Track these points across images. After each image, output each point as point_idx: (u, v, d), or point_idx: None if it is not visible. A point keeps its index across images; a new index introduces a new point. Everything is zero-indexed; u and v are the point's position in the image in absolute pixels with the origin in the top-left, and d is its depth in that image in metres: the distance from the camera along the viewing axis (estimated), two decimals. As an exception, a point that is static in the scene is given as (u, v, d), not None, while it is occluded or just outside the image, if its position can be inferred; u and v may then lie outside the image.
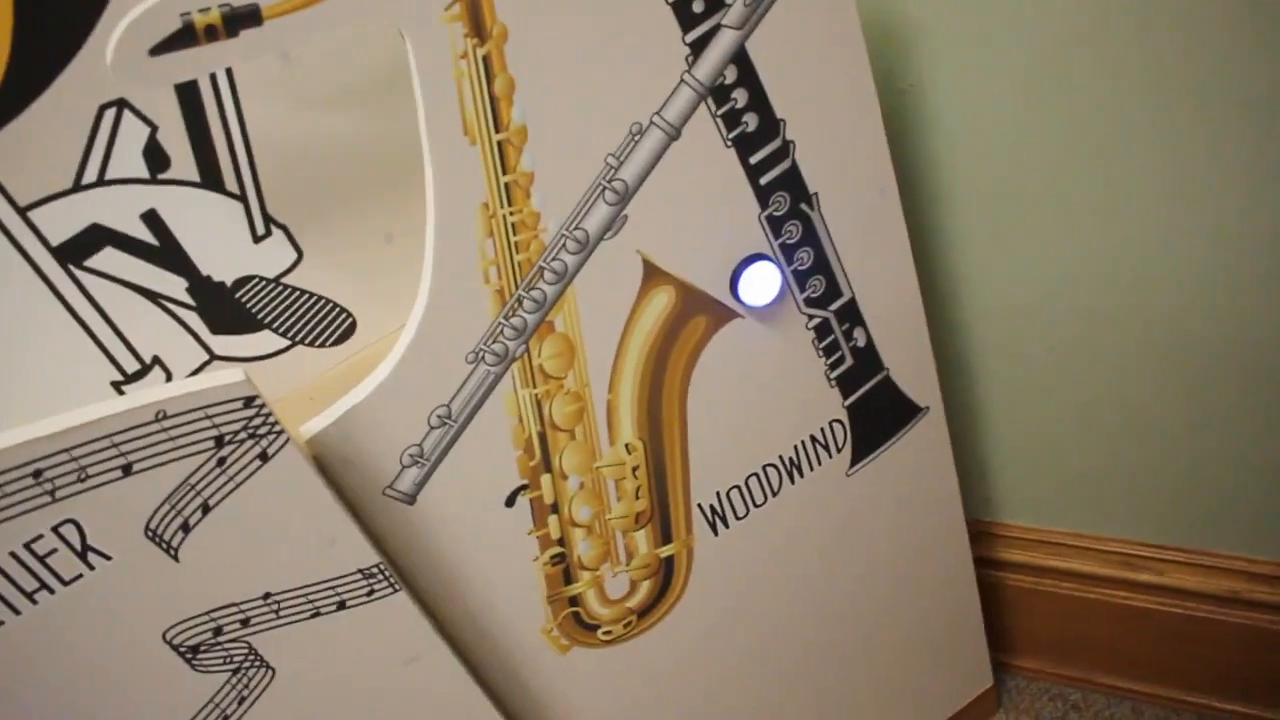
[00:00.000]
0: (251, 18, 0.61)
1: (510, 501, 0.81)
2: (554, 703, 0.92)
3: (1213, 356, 0.99)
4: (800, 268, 0.85)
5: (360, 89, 0.74)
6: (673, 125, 0.75)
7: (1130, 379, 1.05)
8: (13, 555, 0.64)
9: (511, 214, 0.72)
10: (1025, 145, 0.94)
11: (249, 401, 0.66)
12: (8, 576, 0.65)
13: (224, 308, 0.76)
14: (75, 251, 0.72)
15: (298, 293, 0.78)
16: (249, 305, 0.77)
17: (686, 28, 0.73)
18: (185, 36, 0.60)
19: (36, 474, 0.63)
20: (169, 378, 0.78)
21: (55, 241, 0.71)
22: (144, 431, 0.64)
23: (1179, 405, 1.04)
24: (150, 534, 0.67)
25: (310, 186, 0.75)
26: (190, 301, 0.76)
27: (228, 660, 0.74)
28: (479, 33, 0.67)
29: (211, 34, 0.60)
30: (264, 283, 0.77)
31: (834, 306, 0.89)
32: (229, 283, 0.76)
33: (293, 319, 0.79)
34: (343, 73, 0.74)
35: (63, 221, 0.71)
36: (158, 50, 0.60)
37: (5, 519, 0.63)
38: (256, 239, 0.76)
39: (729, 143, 0.78)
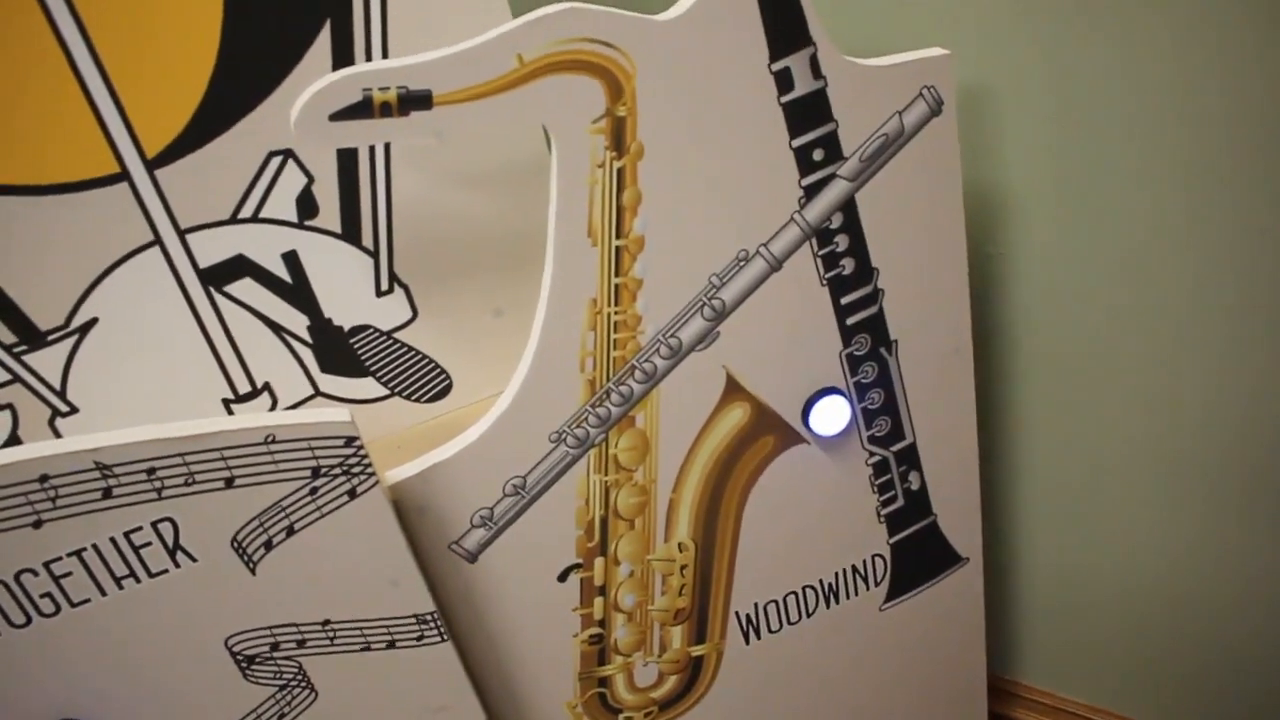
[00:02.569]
0: (423, 101, 0.68)
1: (563, 577, 0.86)
2: (565, 775, 0.96)
3: (1258, 550, 1.02)
4: (870, 406, 0.90)
5: (499, 174, 0.81)
6: (776, 258, 0.81)
7: (1176, 567, 1.08)
8: (112, 540, 0.70)
9: (616, 313, 0.78)
10: (1103, 327, 0.99)
11: (349, 441, 0.71)
12: (103, 559, 0.70)
13: (337, 350, 0.83)
14: (218, 276, 0.79)
15: (406, 349, 0.84)
16: (360, 352, 0.83)
17: (804, 172, 0.79)
18: (363, 109, 0.67)
19: (150, 471, 0.69)
20: (274, 404, 0.84)
21: (203, 265, 0.78)
22: (252, 451, 0.70)
23: (1222, 601, 1.07)
24: (236, 545, 0.73)
25: (437, 254, 0.82)
26: (308, 339, 0.82)
27: (278, 675, 0.79)
28: (618, 147, 0.73)
29: (386, 110, 0.67)
30: (378, 334, 0.83)
31: (895, 448, 0.93)
32: (346, 328, 0.82)
33: (396, 372, 0.85)
34: (487, 157, 0.80)
35: (213, 248, 0.78)
36: (337, 116, 0.66)
37: (116, 506, 0.69)
38: (379, 293, 0.82)
39: (824, 281, 0.83)
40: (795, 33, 0.75)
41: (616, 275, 0.77)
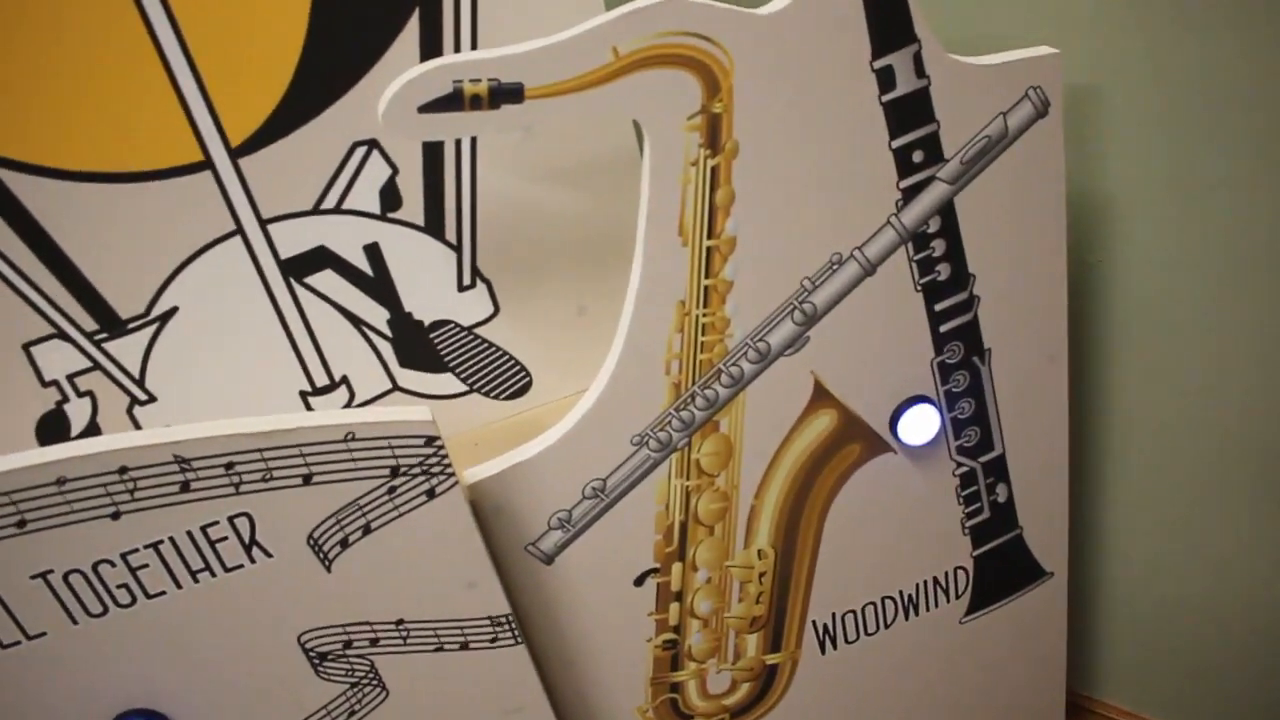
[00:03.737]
0: (515, 94, 0.66)
1: (639, 581, 0.84)
2: (633, 781, 0.95)
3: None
4: (960, 416, 0.87)
5: (584, 169, 0.79)
6: (871, 262, 0.78)
7: (1272, 587, 1.04)
8: (189, 534, 0.69)
9: (704, 315, 0.75)
10: (1205, 340, 0.95)
11: (430, 440, 0.70)
12: (179, 552, 0.69)
13: (417, 345, 0.81)
14: (299, 267, 0.78)
15: (487, 345, 0.83)
16: (440, 347, 0.82)
17: (903, 174, 0.76)
18: (453, 101, 0.65)
19: (229, 466, 0.68)
20: (351, 398, 0.82)
21: (284, 255, 0.77)
22: (331, 448, 0.69)
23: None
24: (312, 542, 0.71)
25: (520, 249, 0.80)
26: (388, 333, 0.80)
27: (350, 673, 0.78)
28: (713, 144, 0.71)
29: (476, 103, 0.65)
30: (458, 329, 0.82)
31: (984, 459, 0.90)
32: (427, 323, 0.81)
33: (476, 368, 0.83)
34: (573, 151, 0.78)
35: (295, 238, 0.77)
36: (426, 109, 0.65)
37: (194, 500, 0.68)
38: (461, 288, 0.80)
39: (919, 287, 0.81)
40: (899, 29, 0.72)
41: (706, 277, 0.75)
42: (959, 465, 0.90)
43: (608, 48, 0.66)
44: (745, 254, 0.75)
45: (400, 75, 0.64)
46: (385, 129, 0.65)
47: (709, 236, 0.73)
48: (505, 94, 0.66)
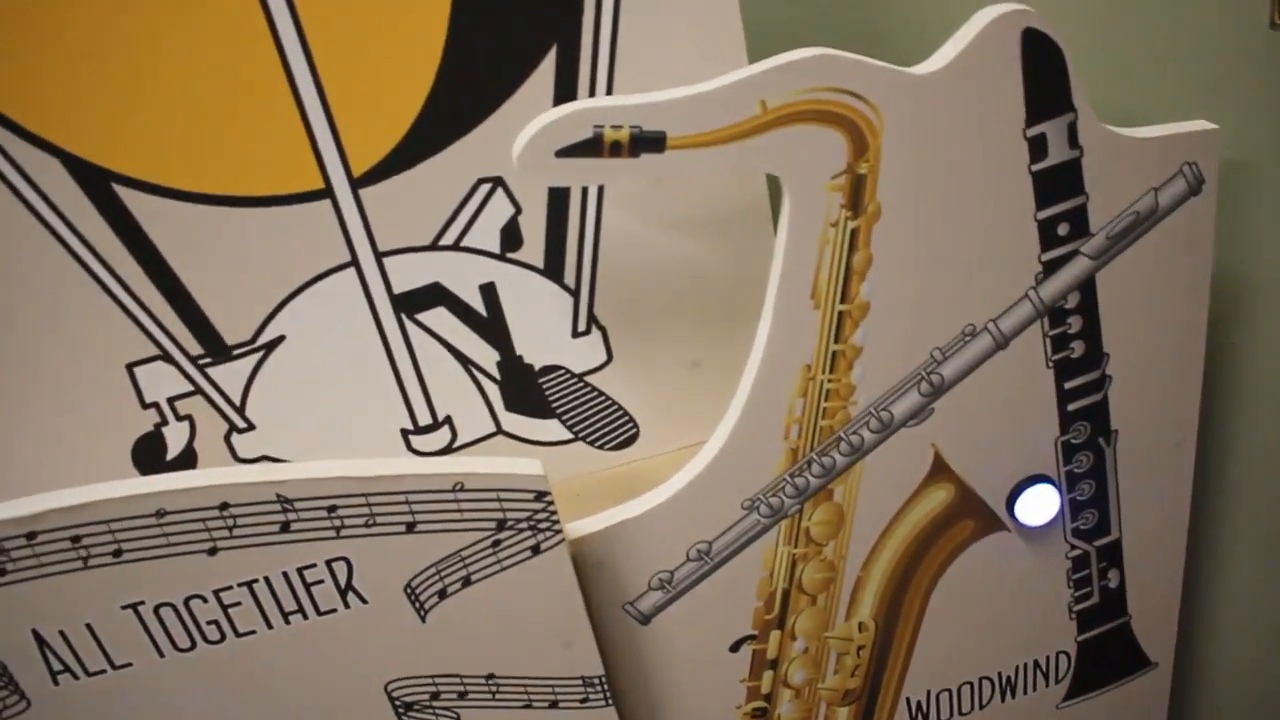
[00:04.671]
0: (657, 143, 0.63)
1: (735, 647, 0.81)
2: None
3: None
4: (1079, 497, 0.84)
5: (712, 220, 0.76)
6: (1004, 335, 0.74)
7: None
8: (285, 575, 0.67)
9: (830, 380, 0.72)
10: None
11: (540, 495, 0.67)
12: (273, 592, 0.67)
13: (524, 389, 0.79)
14: (412, 303, 0.75)
15: (596, 393, 0.80)
16: (549, 392, 0.79)
17: (1046, 247, 0.73)
18: (592, 146, 0.62)
19: (331, 509, 0.65)
20: (453, 439, 0.80)
21: (398, 290, 0.75)
22: (438, 497, 0.66)
23: None
24: (409, 591, 0.69)
25: (638, 297, 0.77)
26: (496, 375, 0.78)
27: (434, 725, 0.75)
28: (855, 206, 0.68)
29: (615, 150, 0.62)
30: (569, 376, 0.79)
31: (1099, 543, 0.86)
32: (537, 367, 0.78)
33: (584, 416, 0.80)
34: (701, 201, 0.75)
35: (410, 273, 0.75)
36: (564, 153, 0.62)
37: (293, 541, 0.65)
38: (575, 334, 0.78)
39: (1050, 363, 0.77)
40: (1057, 97, 0.69)
41: (836, 341, 0.71)
42: (1073, 548, 0.86)
43: (756, 100, 0.64)
44: (877, 320, 0.71)
45: (537, 116, 0.62)
46: (519, 171, 0.62)
47: (842, 300, 0.70)
48: (647, 142, 0.63)
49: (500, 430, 0.80)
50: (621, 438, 0.82)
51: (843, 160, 0.67)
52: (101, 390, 0.75)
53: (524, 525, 0.68)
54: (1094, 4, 0.84)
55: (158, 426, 0.77)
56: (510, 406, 0.79)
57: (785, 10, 0.87)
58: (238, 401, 0.77)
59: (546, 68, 0.70)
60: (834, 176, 0.67)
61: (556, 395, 0.79)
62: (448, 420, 0.79)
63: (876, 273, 0.70)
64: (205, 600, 0.67)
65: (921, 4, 0.85)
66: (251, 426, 0.78)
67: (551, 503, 0.67)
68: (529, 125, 0.62)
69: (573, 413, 0.80)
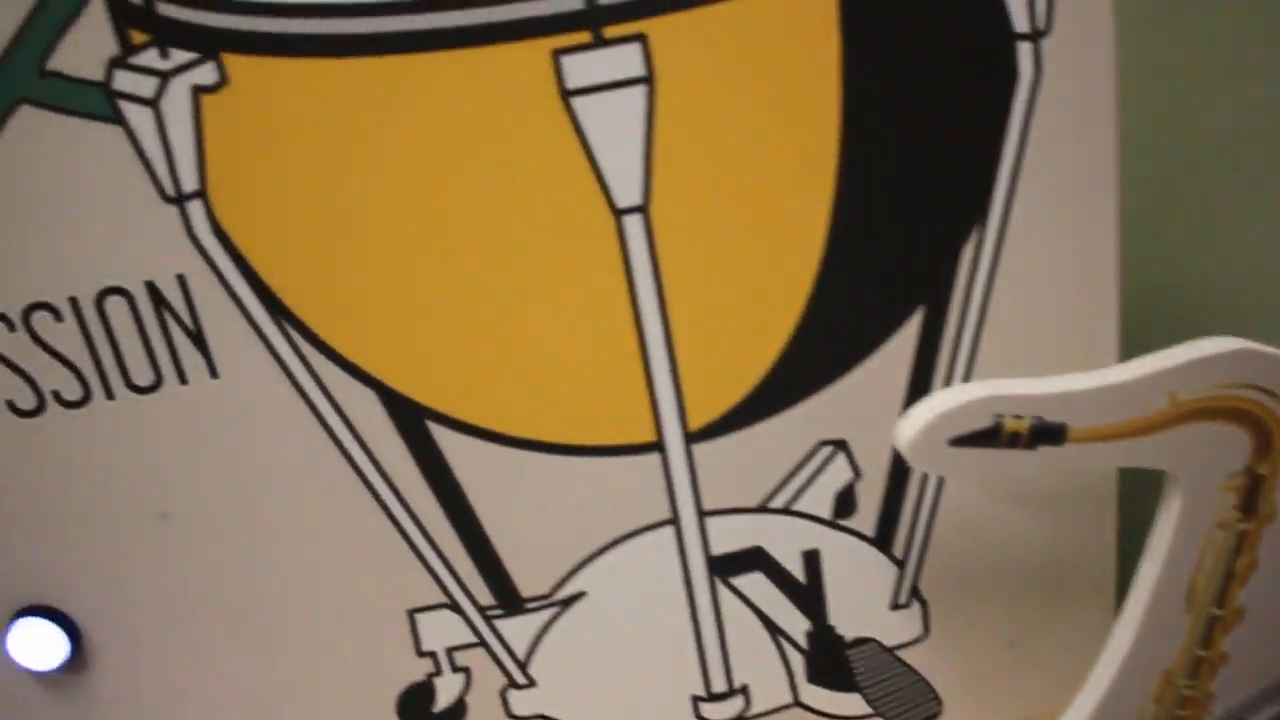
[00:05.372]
0: (1057, 435, 0.58)
1: None
2: None
3: None
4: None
5: (1057, 501, 0.71)
6: (1373, 641, 0.68)
7: None
8: None
9: (1188, 688, 0.66)
10: None
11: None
12: None
13: (830, 661, 0.72)
14: (728, 566, 0.70)
15: (905, 669, 0.74)
16: (855, 666, 0.73)
17: None
18: (990, 436, 0.57)
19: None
20: (746, 708, 0.74)
21: (716, 552, 0.69)
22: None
23: None
24: None
25: (965, 572, 0.72)
26: (803, 645, 0.72)
27: None
28: (1247, 509, 0.62)
29: (1013, 440, 0.58)
30: (880, 650, 0.73)
31: None
32: (848, 638, 0.72)
33: (887, 692, 0.74)
34: (1051, 481, 0.70)
35: (731, 536, 0.69)
36: (959, 441, 0.57)
37: None
38: (894, 607, 0.72)
39: None
40: None
41: (1203, 648, 0.65)
42: None
43: (1165, 393, 0.58)
44: (1250, 628, 0.66)
45: (931, 401, 0.57)
46: (909, 458, 0.57)
47: (1219, 606, 0.64)
48: (1047, 434, 0.58)
49: (797, 701, 0.74)
50: (924, 715, 0.76)
51: (1243, 459, 0.61)
52: (378, 634, 0.70)
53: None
54: None
55: (430, 676, 0.71)
56: (812, 678, 0.73)
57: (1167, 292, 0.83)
58: (522, 657, 0.71)
59: (910, 331, 0.66)
60: (1231, 476, 0.62)
61: (863, 669, 0.73)
62: (744, 689, 0.73)
63: (1258, 578, 0.65)
64: None
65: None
66: (532, 683, 0.72)
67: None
68: (919, 408, 0.57)
69: (877, 688, 0.74)
